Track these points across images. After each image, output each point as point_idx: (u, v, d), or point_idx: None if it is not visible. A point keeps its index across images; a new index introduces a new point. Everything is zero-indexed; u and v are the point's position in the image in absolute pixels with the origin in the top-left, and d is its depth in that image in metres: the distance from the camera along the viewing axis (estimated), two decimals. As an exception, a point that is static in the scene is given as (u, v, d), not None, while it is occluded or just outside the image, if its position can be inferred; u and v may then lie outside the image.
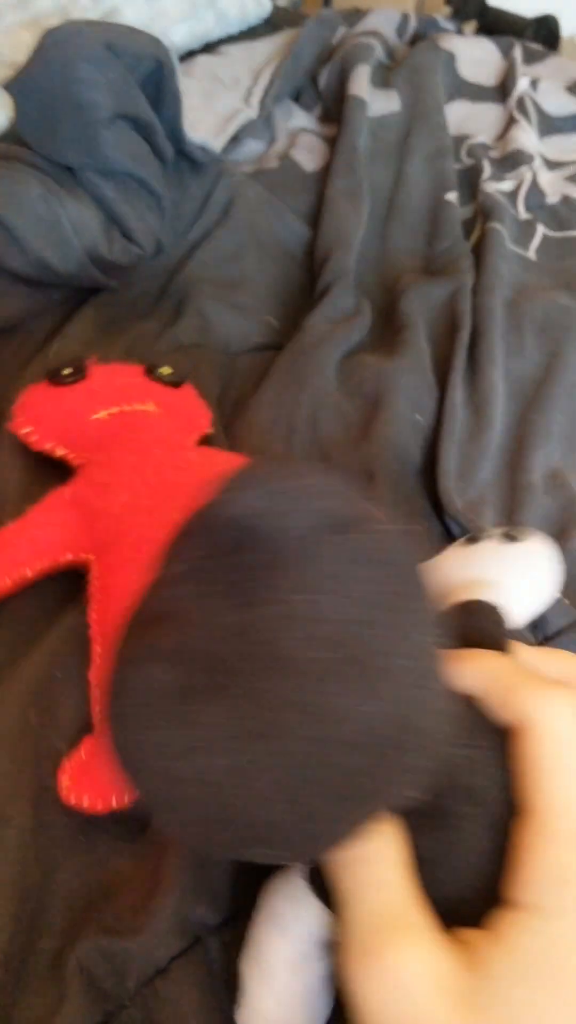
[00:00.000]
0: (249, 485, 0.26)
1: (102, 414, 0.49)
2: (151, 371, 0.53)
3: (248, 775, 0.23)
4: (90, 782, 0.36)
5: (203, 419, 0.54)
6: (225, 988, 0.33)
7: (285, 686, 0.23)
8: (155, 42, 0.63)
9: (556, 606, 0.48)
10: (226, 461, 0.50)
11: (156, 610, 0.25)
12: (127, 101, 0.60)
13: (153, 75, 0.63)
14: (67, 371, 0.51)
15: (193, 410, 0.54)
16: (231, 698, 0.23)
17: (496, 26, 1.32)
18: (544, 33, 1.33)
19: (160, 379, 0.53)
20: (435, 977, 0.24)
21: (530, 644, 0.40)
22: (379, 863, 0.26)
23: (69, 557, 0.44)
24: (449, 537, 0.54)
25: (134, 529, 0.43)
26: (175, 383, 0.54)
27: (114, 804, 0.36)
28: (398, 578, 0.25)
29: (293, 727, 0.23)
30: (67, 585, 0.45)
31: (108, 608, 0.42)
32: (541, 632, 0.48)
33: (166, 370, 0.54)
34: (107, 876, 0.36)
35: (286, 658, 0.23)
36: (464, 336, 0.67)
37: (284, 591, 0.24)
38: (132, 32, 0.61)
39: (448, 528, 0.54)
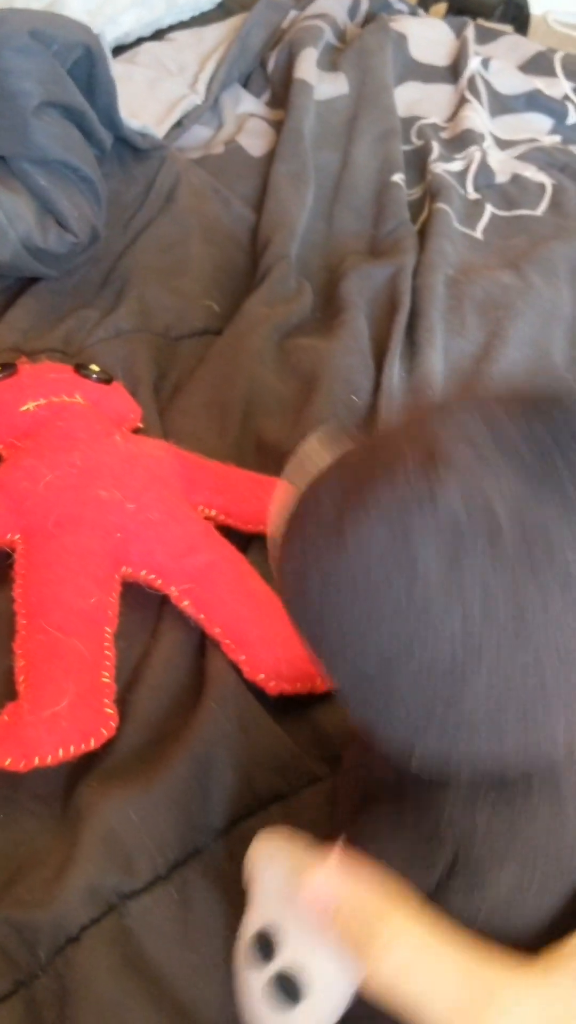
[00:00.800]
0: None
1: (30, 406, 0.50)
2: (80, 368, 0.54)
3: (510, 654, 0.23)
4: (13, 743, 0.37)
5: (132, 413, 0.55)
6: (141, 954, 0.34)
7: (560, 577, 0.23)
8: (84, 29, 0.63)
9: None
10: (153, 445, 0.51)
11: (445, 453, 0.24)
12: (56, 89, 0.60)
13: (83, 62, 0.64)
14: None
15: (122, 404, 0.55)
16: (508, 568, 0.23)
17: (466, 6, 1.32)
18: (513, 12, 1.33)
19: (89, 376, 0.54)
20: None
21: None
22: (432, 956, 0.26)
23: (-4, 538, 0.45)
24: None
25: (59, 506, 0.44)
26: (104, 380, 0.54)
27: (36, 763, 0.37)
28: None
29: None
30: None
31: (34, 582, 0.43)
32: None
33: (95, 367, 0.55)
34: (25, 852, 0.37)
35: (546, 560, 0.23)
36: (402, 316, 0.68)
37: None
38: (59, 19, 0.62)
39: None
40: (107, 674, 0.40)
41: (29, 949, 0.33)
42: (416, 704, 0.25)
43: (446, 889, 0.28)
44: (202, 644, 0.45)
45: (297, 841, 0.31)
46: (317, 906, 0.27)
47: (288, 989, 0.27)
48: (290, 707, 0.43)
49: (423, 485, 0.23)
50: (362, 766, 0.34)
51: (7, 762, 0.36)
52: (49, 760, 0.37)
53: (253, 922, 0.29)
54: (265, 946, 0.28)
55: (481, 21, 1.27)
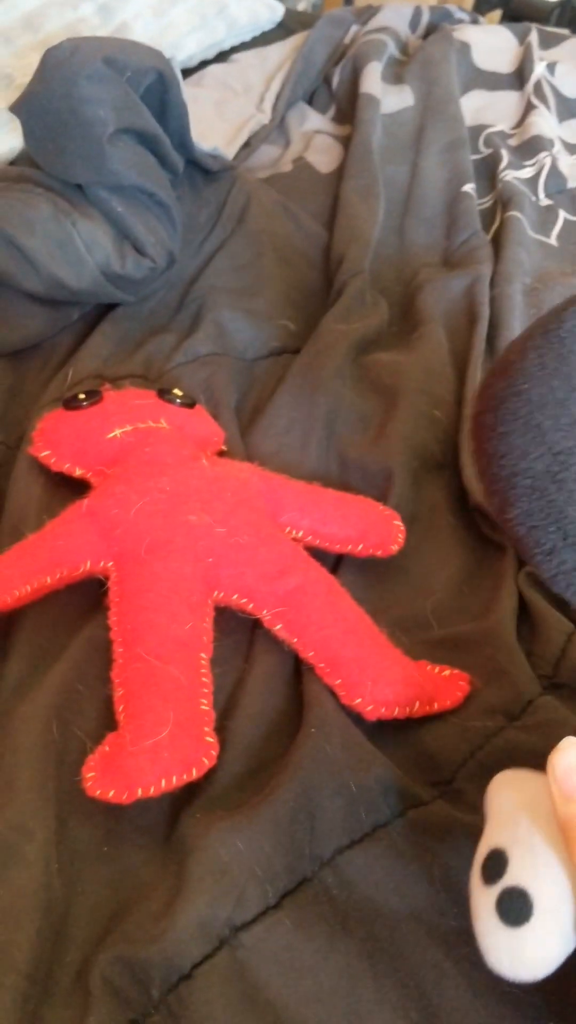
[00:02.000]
0: None
1: (116, 433, 0.50)
2: (163, 394, 0.54)
3: None
4: (115, 774, 0.37)
5: (215, 436, 0.55)
6: (257, 986, 0.33)
7: None
8: (155, 54, 0.63)
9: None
10: (239, 467, 0.50)
11: None
12: (130, 115, 0.60)
13: (155, 87, 0.64)
14: (82, 396, 0.52)
15: (205, 428, 0.55)
16: None
17: (520, 13, 1.31)
18: (568, 17, 1.32)
19: (172, 400, 0.54)
20: None
21: None
22: None
23: (88, 566, 0.45)
24: (472, 529, 0.53)
25: (150, 532, 0.44)
26: (187, 404, 0.54)
27: (139, 794, 0.36)
28: None
29: None
30: (84, 599, 0.45)
31: (129, 609, 0.43)
32: None
33: (178, 392, 0.55)
34: (131, 885, 0.36)
35: None
36: (482, 327, 0.67)
37: None
38: (131, 45, 0.62)
39: (472, 519, 0.54)
40: (205, 701, 0.40)
41: (142, 988, 0.32)
42: None
43: None
44: (297, 668, 0.44)
45: (537, 773, 0.31)
46: (567, 781, 0.28)
47: (517, 909, 0.28)
48: (391, 730, 0.43)
49: None
50: None
51: (110, 794, 0.36)
52: (152, 791, 0.36)
53: (485, 844, 0.30)
54: (495, 867, 0.29)
55: (538, 26, 1.25)
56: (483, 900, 0.29)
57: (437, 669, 0.44)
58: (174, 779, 0.37)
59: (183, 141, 0.70)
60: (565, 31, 1.29)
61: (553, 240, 0.83)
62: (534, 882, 0.28)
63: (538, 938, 0.28)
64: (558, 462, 0.25)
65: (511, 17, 1.32)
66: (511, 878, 0.28)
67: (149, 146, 0.64)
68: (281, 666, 0.44)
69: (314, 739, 0.39)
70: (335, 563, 0.51)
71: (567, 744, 0.28)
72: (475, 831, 0.32)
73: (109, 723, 0.39)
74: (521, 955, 0.28)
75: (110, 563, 0.44)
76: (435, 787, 0.41)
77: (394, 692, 0.42)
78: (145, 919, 0.34)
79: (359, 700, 0.42)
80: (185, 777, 0.37)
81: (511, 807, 0.30)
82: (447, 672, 0.44)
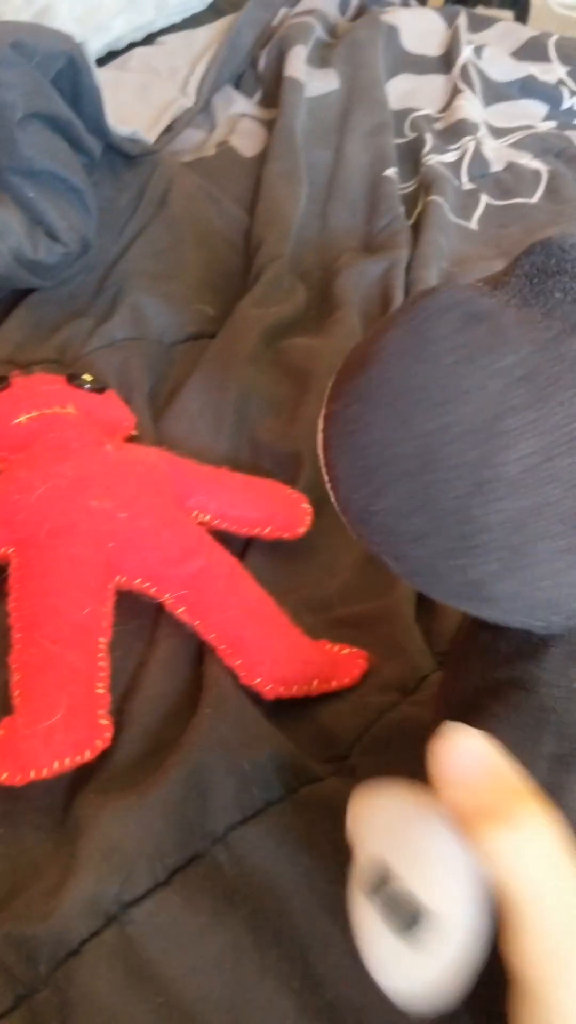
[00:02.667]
0: None
1: (22, 418, 0.50)
2: (73, 379, 0.54)
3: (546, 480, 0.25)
4: (8, 757, 0.37)
5: (126, 421, 0.55)
6: (144, 960, 0.34)
7: None
8: (65, 39, 0.63)
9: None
10: (145, 452, 0.51)
11: (477, 309, 0.26)
12: (40, 100, 0.60)
13: (66, 72, 0.64)
14: None
15: (115, 413, 0.55)
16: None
17: (464, -6, 1.31)
18: (511, -1, 1.33)
19: (82, 386, 0.54)
20: None
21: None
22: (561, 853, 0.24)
23: (-11, 552, 0.45)
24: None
25: (51, 517, 0.45)
26: (97, 389, 0.54)
27: (33, 776, 0.37)
28: None
29: None
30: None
31: (28, 594, 0.43)
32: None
33: (88, 377, 0.55)
34: (25, 865, 0.37)
35: None
36: (396, 311, 0.67)
37: None
38: (40, 30, 0.62)
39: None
40: (101, 685, 0.41)
41: (30, 964, 0.33)
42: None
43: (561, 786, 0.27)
44: (200, 651, 0.45)
45: (401, 784, 0.29)
46: (451, 771, 0.25)
47: (407, 915, 0.25)
48: (290, 708, 0.43)
49: (431, 300, 0.26)
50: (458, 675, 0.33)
51: (3, 776, 0.37)
52: (45, 773, 0.37)
53: (362, 858, 0.28)
54: (376, 876, 0.26)
55: (481, 9, 1.26)
56: (367, 913, 0.26)
57: (336, 647, 0.45)
58: (67, 761, 0.37)
59: (98, 125, 0.70)
60: (506, 13, 1.30)
61: (474, 224, 0.84)
62: (422, 883, 0.25)
63: (435, 946, 0.25)
64: (425, 444, 0.25)
65: (455, -1, 1.32)
66: (397, 884, 0.26)
67: (62, 131, 0.64)
68: (183, 649, 0.45)
69: (209, 719, 0.40)
70: (244, 546, 0.52)
71: (446, 730, 0.27)
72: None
73: (6, 708, 0.40)
74: (418, 968, 0.25)
75: (11, 549, 0.44)
76: (331, 763, 0.41)
77: (292, 671, 0.43)
78: (36, 897, 0.35)
79: (258, 680, 0.43)
80: (79, 759, 0.38)
81: (381, 818, 0.28)
82: (346, 651, 0.45)
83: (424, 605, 0.48)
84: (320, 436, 0.30)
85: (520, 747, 0.26)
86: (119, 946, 0.34)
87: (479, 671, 0.30)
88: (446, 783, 0.25)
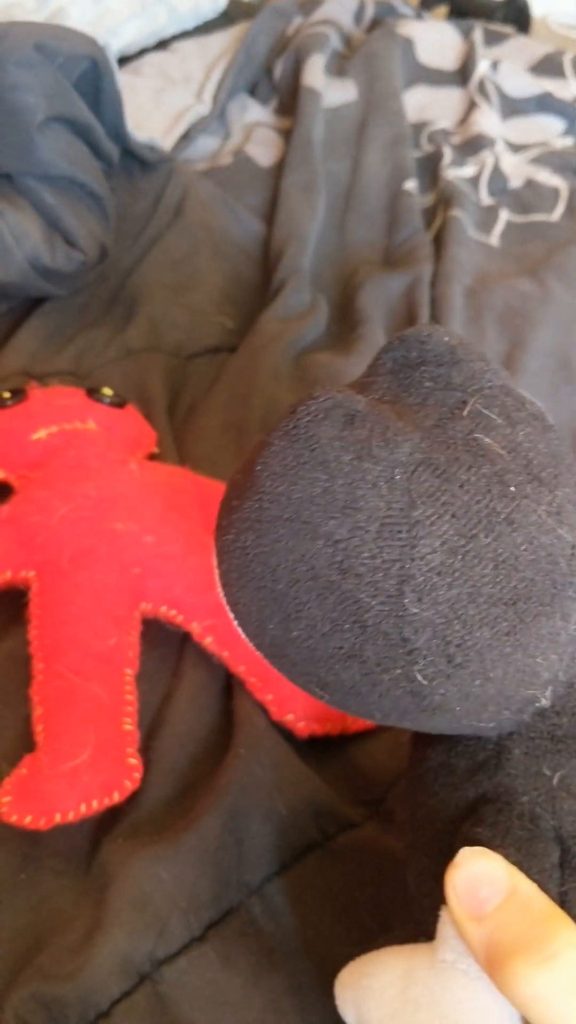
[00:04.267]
0: (444, 328, 0.28)
1: (41, 434, 0.48)
2: (92, 392, 0.52)
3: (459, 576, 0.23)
4: (32, 799, 0.35)
5: (147, 438, 0.53)
6: (182, 1021, 0.32)
7: (490, 490, 0.24)
8: (89, 41, 0.61)
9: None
10: (169, 472, 0.49)
11: (357, 407, 0.25)
12: (61, 103, 0.58)
13: (89, 75, 0.62)
14: (6, 395, 0.50)
15: (136, 429, 0.53)
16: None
17: (467, 9, 1.31)
18: (515, 14, 1.32)
19: (102, 400, 0.52)
20: None
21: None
22: None
23: (8, 575, 0.43)
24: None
25: (73, 540, 0.42)
26: (117, 404, 0.52)
27: (58, 820, 0.35)
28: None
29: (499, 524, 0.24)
30: (3, 611, 0.43)
31: (50, 622, 0.41)
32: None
33: (108, 391, 0.53)
34: (48, 915, 0.35)
35: (469, 443, 0.25)
36: (421, 329, 0.65)
37: (476, 408, 0.26)
38: (64, 31, 0.60)
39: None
40: (129, 720, 0.38)
41: (56, 1026, 0.31)
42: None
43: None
44: (228, 684, 0.43)
45: (385, 952, 0.26)
46: (475, 904, 0.23)
47: None
48: (322, 747, 0.41)
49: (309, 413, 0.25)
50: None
51: (27, 820, 0.34)
52: (71, 817, 0.35)
53: None
54: None
55: (483, 24, 1.25)
56: None
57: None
58: (94, 804, 0.35)
59: (118, 131, 0.68)
60: (509, 29, 1.29)
61: (494, 241, 0.83)
62: None
63: None
64: (338, 551, 0.24)
65: (457, 13, 1.31)
66: None
67: (82, 135, 0.62)
68: (211, 681, 0.43)
69: (243, 760, 0.38)
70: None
71: (462, 858, 0.23)
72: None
73: (28, 744, 0.38)
74: None
75: (31, 573, 0.42)
76: (366, 806, 0.39)
77: (326, 708, 0.41)
78: (62, 953, 0.32)
79: (290, 716, 0.41)
80: (106, 801, 0.36)
81: (390, 992, 0.25)
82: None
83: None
84: (216, 572, 0.28)
85: (524, 866, 0.24)
86: (152, 1007, 0.32)
87: (443, 795, 0.28)
88: (470, 918, 0.23)
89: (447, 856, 0.24)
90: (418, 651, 0.24)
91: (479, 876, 0.23)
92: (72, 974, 0.31)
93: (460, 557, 0.23)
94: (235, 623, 0.28)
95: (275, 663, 0.28)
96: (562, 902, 0.24)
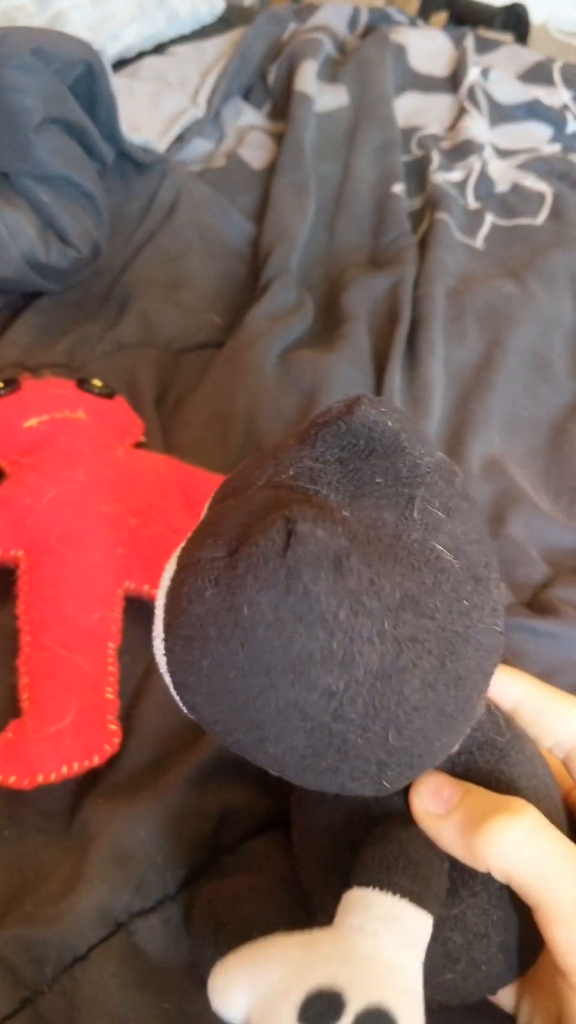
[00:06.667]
0: (384, 406, 0.27)
1: (33, 422, 0.50)
2: (83, 383, 0.55)
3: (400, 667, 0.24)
4: (18, 760, 0.37)
5: (135, 427, 0.55)
6: (151, 968, 0.34)
7: (451, 610, 0.25)
8: (85, 46, 0.63)
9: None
10: (155, 459, 0.51)
11: (338, 550, 0.24)
12: (58, 105, 0.60)
13: (84, 79, 0.64)
14: (0, 384, 0.52)
15: (125, 419, 0.55)
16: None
17: (466, 16, 1.33)
18: (514, 21, 1.34)
19: (91, 390, 0.54)
20: None
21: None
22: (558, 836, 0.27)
23: (-2, 553, 0.45)
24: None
25: (62, 522, 0.45)
26: (107, 394, 0.55)
27: (40, 780, 0.37)
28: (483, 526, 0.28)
29: (436, 615, 0.25)
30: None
31: (37, 598, 0.43)
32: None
33: (98, 382, 0.55)
34: (31, 868, 0.37)
35: (427, 557, 0.25)
36: (403, 327, 0.68)
37: (423, 506, 0.26)
38: (61, 37, 0.62)
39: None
40: (111, 690, 0.41)
41: (36, 966, 0.33)
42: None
43: None
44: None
45: (277, 936, 0.27)
46: (438, 798, 0.28)
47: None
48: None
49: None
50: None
51: (11, 780, 0.36)
52: (53, 777, 0.37)
53: (286, 995, 0.24)
54: (326, 1004, 0.24)
55: (482, 30, 1.27)
56: None
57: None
58: (76, 766, 0.37)
59: (112, 133, 0.70)
60: (507, 36, 1.31)
61: (479, 243, 0.85)
62: (390, 995, 0.24)
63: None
64: (334, 700, 0.24)
65: (457, 20, 1.33)
66: (356, 1007, 0.24)
67: (77, 137, 0.64)
68: (190, 656, 0.45)
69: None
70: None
71: (422, 779, 0.28)
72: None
73: (14, 711, 0.40)
74: None
75: (20, 552, 0.44)
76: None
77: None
78: (44, 901, 0.35)
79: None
80: (87, 764, 0.38)
81: (280, 970, 0.25)
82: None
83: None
84: (167, 667, 0.28)
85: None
86: (127, 952, 0.34)
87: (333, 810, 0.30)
88: (437, 817, 0.27)
89: (334, 865, 0.28)
90: (387, 766, 0.26)
91: (439, 783, 0.28)
92: (53, 919, 0.33)
93: (433, 690, 0.25)
94: (182, 707, 0.28)
95: (227, 744, 0.28)
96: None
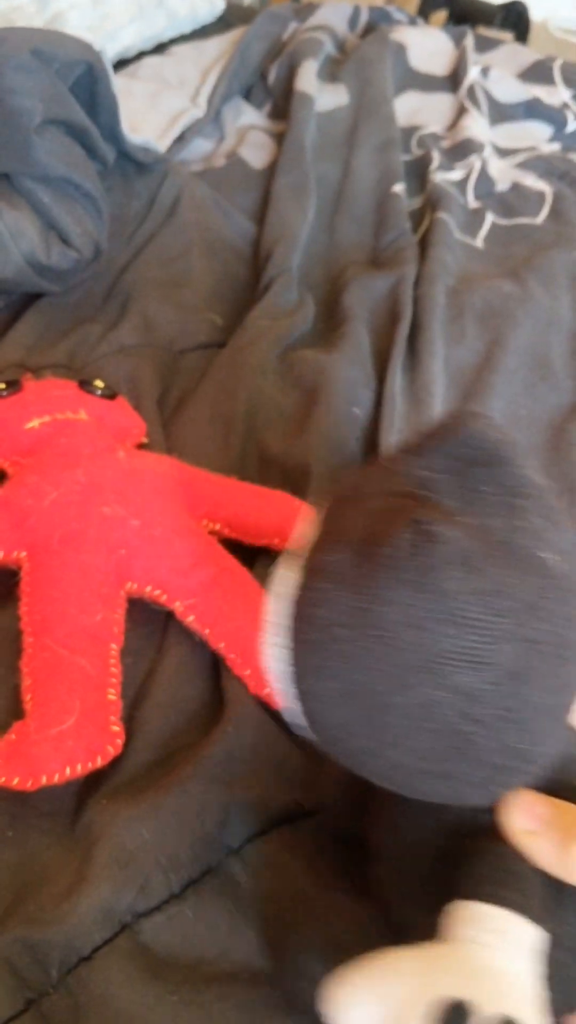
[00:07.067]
0: (489, 420, 0.29)
1: (34, 423, 0.50)
2: (84, 384, 0.55)
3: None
4: (21, 762, 0.37)
5: (136, 428, 0.55)
6: (158, 966, 0.34)
7: (571, 620, 0.26)
8: (85, 47, 0.63)
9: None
10: (156, 460, 0.51)
11: (468, 553, 0.25)
12: (58, 106, 0.60)
13: (85, 79, 0.64)
14: (2, 386, 0.53)
15: (126, 420, 0.55)
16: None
17: (466, 14, 1.33)
18: (513, 19, 1.34)
19: (93, 391, 0.54)
20: None
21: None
22: None
23: (0, 555, 0.45)
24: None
25: (64, 523, 0.45)
26: (108, 396, 0.55)
27: (44, 781, 0.37)
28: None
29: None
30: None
31: (40, 599, 0.43)
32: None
33: (99, 383, 0.55)
34: (34, 869, 0.37)
35: (537, 564, 0.26)
36: (403, 327, 0.68)
37: (528, 515, 0.27)
38: (61, 37, 0.62)
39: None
40: (113, 691, 0.41)
41: (40, 968, 0.33)
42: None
43: None
44: (215, 660, 0.45)
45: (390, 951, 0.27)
46: (531, 816, 0.28)
47: None
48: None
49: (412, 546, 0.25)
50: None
51: (15, 781, 0.37)
52: (56, 779, 0.37)
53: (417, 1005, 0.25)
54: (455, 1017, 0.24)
55: (482, 29, 1.27)
56: None
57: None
58: (79, 767, 0.38)
59: (113, 133, 0.70)
60: (506, 34, 1.31)
61: (479, 243, 0.85)
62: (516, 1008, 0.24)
63: None
64: (466, 700, 0.25)
65: (457, 19, 1.33)
66: (482, 1014, 0.24)
67: (78, 138, 0.64)
68: (193, 656, 0.45)
69: (229, 734, 0.40)
70: (251, 557, 0.52)
71: (513, 800, 0.28)
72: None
73: (17, 712, 0.40)
74: None
75: (23, 553, 0.45)
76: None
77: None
78: (47, 902, 0.35)
79: (268, 691, 0.43)
80: (90, 765, 0.38)
81: (398, 991, 0.26)
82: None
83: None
84: (278, 672, 0.28)
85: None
86: (132, 951, 0.34)
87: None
88: (533, 834, 0.28)
89: (429, 880, 0.28)
90: (502, 771, 0.26)
91: (530, 800, 0.28)
92: (57, 920, 0.34)
93: (551, 694, 0.25)
94: (293, 711, 0.28)
95: (331, 750, 0.28)
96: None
